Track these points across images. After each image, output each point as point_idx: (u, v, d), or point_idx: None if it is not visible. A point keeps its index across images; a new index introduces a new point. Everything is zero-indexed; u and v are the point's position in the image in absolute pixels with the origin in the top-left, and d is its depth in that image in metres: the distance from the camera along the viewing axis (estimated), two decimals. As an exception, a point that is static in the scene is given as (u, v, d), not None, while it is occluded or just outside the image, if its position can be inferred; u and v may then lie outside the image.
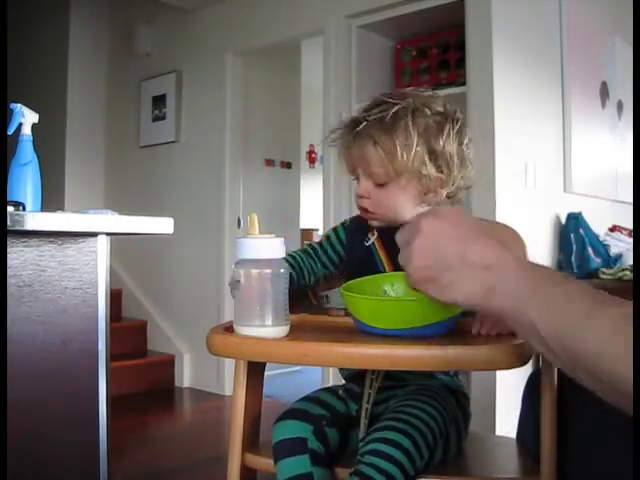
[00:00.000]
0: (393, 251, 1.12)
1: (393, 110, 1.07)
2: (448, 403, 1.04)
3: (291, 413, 1.03)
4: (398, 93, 1.12)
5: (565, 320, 0.59)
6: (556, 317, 0.59)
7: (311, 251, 1.21)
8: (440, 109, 1.10)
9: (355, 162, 1.11)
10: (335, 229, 1.23)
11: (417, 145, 1.05)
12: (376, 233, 1.16)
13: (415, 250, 0.71)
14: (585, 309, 0.58)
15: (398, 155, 1.05)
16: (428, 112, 1.08)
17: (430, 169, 1.07)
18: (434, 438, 0.95)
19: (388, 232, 1.14)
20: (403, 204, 1.10)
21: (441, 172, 1.09)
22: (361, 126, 1.07)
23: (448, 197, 1.13)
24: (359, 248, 1.17)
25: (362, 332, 0.92)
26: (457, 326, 1.00)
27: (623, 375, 0.53)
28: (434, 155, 1.07)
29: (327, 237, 1.23)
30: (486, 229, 0.72)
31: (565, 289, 0.61)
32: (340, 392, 1.11)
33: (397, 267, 1.09)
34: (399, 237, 0.77)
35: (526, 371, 1.02)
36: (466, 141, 1.12)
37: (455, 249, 0.68)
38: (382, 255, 1.14)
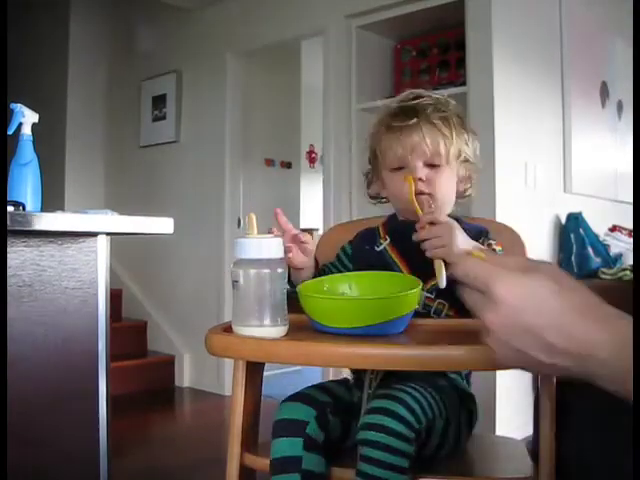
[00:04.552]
0: (407, 253, 1.15)
1: (437, 102, 1.16)
2: (449, 397, 1.05)
3: (298, 396, 1.04)
4: (421, 92, 1.20)
5: None
6: None
7: (327, 270, 1.23)
8: (457, 112, 1.19)
9: (412, 148, 1.13)
10: (343, 247, 1.25)
11: (460, 132, 1.15)
12: (388, 238, 1.18)
13: (493, 321, 0.61)
14: None
15: (453, 139, 1.14)
16: (454, 109, 1.18)
17: (469, 154, 1.17)
18: (432, 410, 0.97)
19: (400, 236, 1.17)
20: (452, 188, 1.18)
21: (470, 160, 1.18)
22: (428, 117, 1.13)
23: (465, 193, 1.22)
24: (369, 254, 1.19)
25: (316, 331, 0.94)
26: (456, 327, 1.00)
27: None
28: (467, 145, 1.17)
29: (337, 256, 1.25)
30: (561, 303, 0.60)
31: None
32: (350, 382, 1.12)
33: (412, 268, 1.12)
34: (464, 270, 0.65)
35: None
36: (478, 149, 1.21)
37: (538, 346, 0.60)
38: (396, 258, 1.15)
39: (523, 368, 0.65)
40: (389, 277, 1.04)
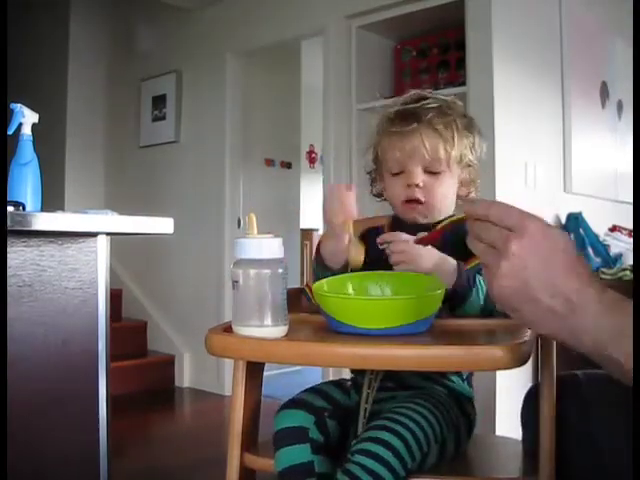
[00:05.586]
0: None
1: (442, 103, 1.15)
2: (448, 408, 1.04)
3: (294, 403, 1.03)
4: (425, 94, 1.19)
5: None
6: None
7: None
8: (464, 112, 1.19)
9: (410, 153, 1.13)
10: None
11: (464, 135, 1.14)
12: None
13: (517, 248, 0.66)
14: None
15: (455, 142, 1.12)
16: (460, 111, 1.17)
17: (470, 158, 1.16)
18: (427, 441, 0.95)
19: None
20: (452, 193, 1.16)
21: (474, 164, 1.17)
22: (428, 122, 1.12)
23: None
24: (372, 250, 1.17)
25: (336, 331, 0.93)
26: (456, 326, 1.00)
27: None
28: (473, 148, 1.16)
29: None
30: (572, 260, 0.67)
31: None
32: (348, 384, 1.11)
33: None
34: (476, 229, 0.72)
35: (526, 371, 1.02)
36: (484, 145, 1.21)
37: (544, 284, 0.65)
38: None
39: (510, 306, 0.68)
40: (413, 278, 1.03)
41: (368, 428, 0.95)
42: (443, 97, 1.19)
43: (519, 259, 0.66)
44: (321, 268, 1.13)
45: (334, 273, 1.09)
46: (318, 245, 1.14)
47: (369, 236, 1.22)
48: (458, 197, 1.19)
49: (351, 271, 1.07)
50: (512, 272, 0.66)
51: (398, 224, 1.20)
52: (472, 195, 1.21)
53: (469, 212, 0.73)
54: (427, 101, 1.15)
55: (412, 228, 1.16)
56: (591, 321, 0.63)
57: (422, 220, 1.16)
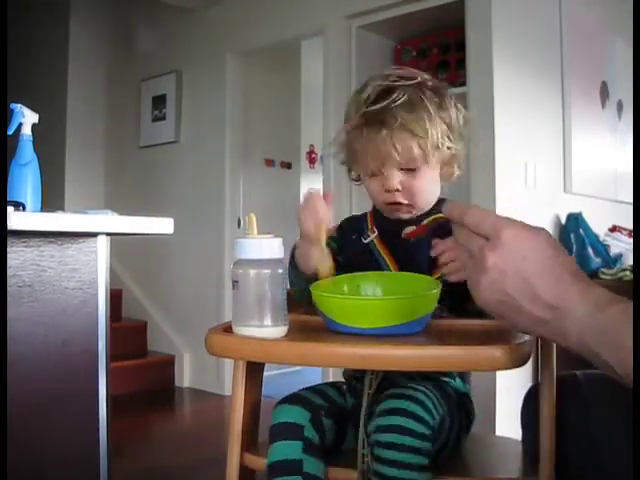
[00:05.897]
0: (394, 251, 1.13)
1: (409, 92, 1.07)
2: (449, 397, 1.05)
3: (292, 398, 1.03)
4: (396, 74, 1.11)
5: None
6: (627, 354, 0.59)
7: None
8: (434, 85, 1.12)
9: (384, 160, 1.08)
10: (330, 236, 1.22)
11: (437, 119, 1.08)
12: (376, 231, 1.16)
13: (494, 260, 0.66)
14: None
15: (429, 135, 1.06)
16: (430, 85, 1.11)
17: (448, 142, 1.10)
18: (441, 406, 0.97)
19: (388, 233, 1.15)
20: (434, 185, 1.13)
21: (454, 145, 1.11)
22: (397, 123, 1.05)
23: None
24: (355, 245, 1.16)
25: (333, 331, 0.93)
26: (455, 327, 1.00)
27: None
28: (450, 128, 1.10)
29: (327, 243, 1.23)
30: (550, 263, 0.65)
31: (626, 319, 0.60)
32: (344, 388, 1.11)
33: (400, 263, 1.11)
34: (460, 236, 0.71)
35: (526, 371, 1.02)
36: (463, 113, 1.14)
37: (524, 293, 0.65)
38: (383, 252, 1.13)
39: (498, 315, 0.68)
40: (408, 278, 1.03)
41: (387, 398, 0.95)
42: (410, 78, 1.10)
43: (496, 273, 0.66)
44: (294, 271, 1.10)
45: (307, 277, 1.06)
46: (293, 248, 1.11)
47: (348, 227, 1.20)
48: (442, 178, 1.15)
49: (317, 279, 1.04)
50: (491, 287, 0.67)
51: (380, 215, 1.18)
52: (457, 173, 1.16)
53: (447, 215, 0.73)
54: (394, 96, 1.06)
55: (395, 224, 1.14)
56: (574, 323, 0.63)
57: (406, 217, 1.13)
